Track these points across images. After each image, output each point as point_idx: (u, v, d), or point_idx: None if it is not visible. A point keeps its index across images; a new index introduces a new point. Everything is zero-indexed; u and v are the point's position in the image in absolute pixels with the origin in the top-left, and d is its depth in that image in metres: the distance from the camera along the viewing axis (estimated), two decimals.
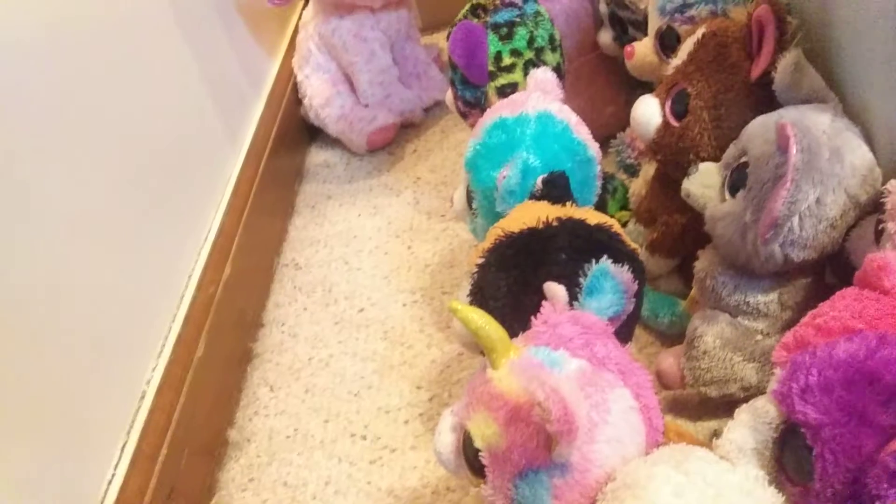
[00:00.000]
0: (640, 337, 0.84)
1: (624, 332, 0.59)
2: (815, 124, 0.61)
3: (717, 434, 0.53)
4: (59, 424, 0.68)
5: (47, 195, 0.72)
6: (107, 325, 0.76)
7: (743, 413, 0.53)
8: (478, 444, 0.51)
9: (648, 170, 0.88)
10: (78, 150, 0.77)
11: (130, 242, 0.83)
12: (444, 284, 1.01)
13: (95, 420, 0.72)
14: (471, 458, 0.52)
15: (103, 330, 0.76)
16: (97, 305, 0.75)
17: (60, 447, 0.67)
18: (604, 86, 1.09)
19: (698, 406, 0.75)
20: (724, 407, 0.69)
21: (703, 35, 0.73)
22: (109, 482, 0.71)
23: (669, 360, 0.74)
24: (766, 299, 0.68)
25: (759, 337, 0.69)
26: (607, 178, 0.93)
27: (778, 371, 0.51)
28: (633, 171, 1.01)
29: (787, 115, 0.63)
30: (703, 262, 0.72)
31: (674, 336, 0.81)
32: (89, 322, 0.74)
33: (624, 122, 0.91)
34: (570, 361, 0.51)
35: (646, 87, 0.88)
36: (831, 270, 0.70)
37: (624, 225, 0.87)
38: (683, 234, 0.79)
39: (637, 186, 0.91)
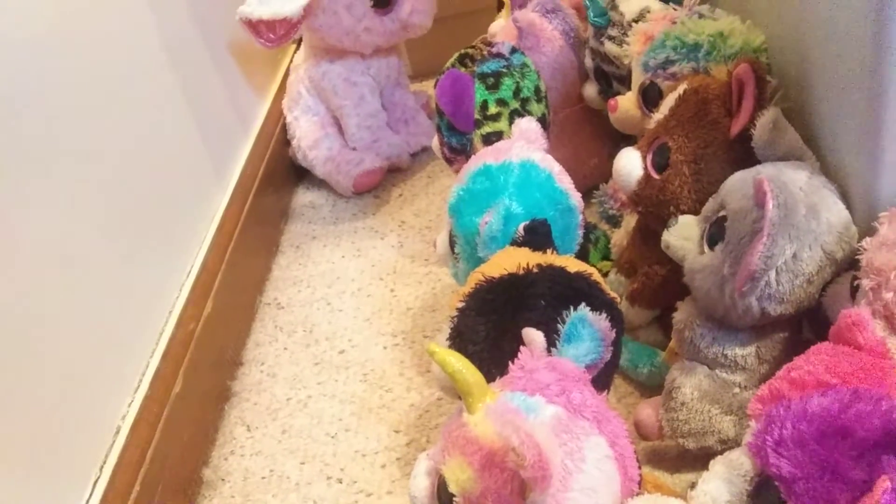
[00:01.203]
0: (620, 387, 0.84)
1: (601, 381, 0.59)
2: (792, 181, 0.63)
3: (692, 486, 0.53)
4: (31, 457, 0.67)
5: (31, 225, 0.72)
6: (84, 357, 0.76)
7: (718, 465, 0.53)
8: (452, 488, 0.50)
9: (630, 221, 0.89)
10: (65, 182, 0.77)
11: (112, 275, 0.83)
12: (426, 328, 1.01)
13: (68, 454, 0.71)
14: (445, 503, 0.52)
15: (80, 362, 0.75)
16: (74, 337, 0.75)
17: (31, 480, 0.66)
18: (588, 138, 1.10)
19: (676, 458, 0.75)
20: (703, 459, 0.68)
21: (685, 91, 0.75)
22: None
23: (648, 410, 0.74)
24: (744, 352, 0.68)
25: (737, 390, 0.69)
26: (590, 228, 0.94)
27: (753, 423, 0.51)
28: (615, 221, 1.02)
29: (764, 171, 0.64)
30: (681, 314, 0.72)
31: (653, 387, 0.81)
32: (66, 354, 0.73)
33: (607, 173, 0.92)
34: (546, 408, 0.51)
35: (628, 140, 0.89)
36: (808, 326, 0.70)
37: (605, 275, 0.87)
38: (663, 286, 0.80)
39: (619, 237, 0.92)
